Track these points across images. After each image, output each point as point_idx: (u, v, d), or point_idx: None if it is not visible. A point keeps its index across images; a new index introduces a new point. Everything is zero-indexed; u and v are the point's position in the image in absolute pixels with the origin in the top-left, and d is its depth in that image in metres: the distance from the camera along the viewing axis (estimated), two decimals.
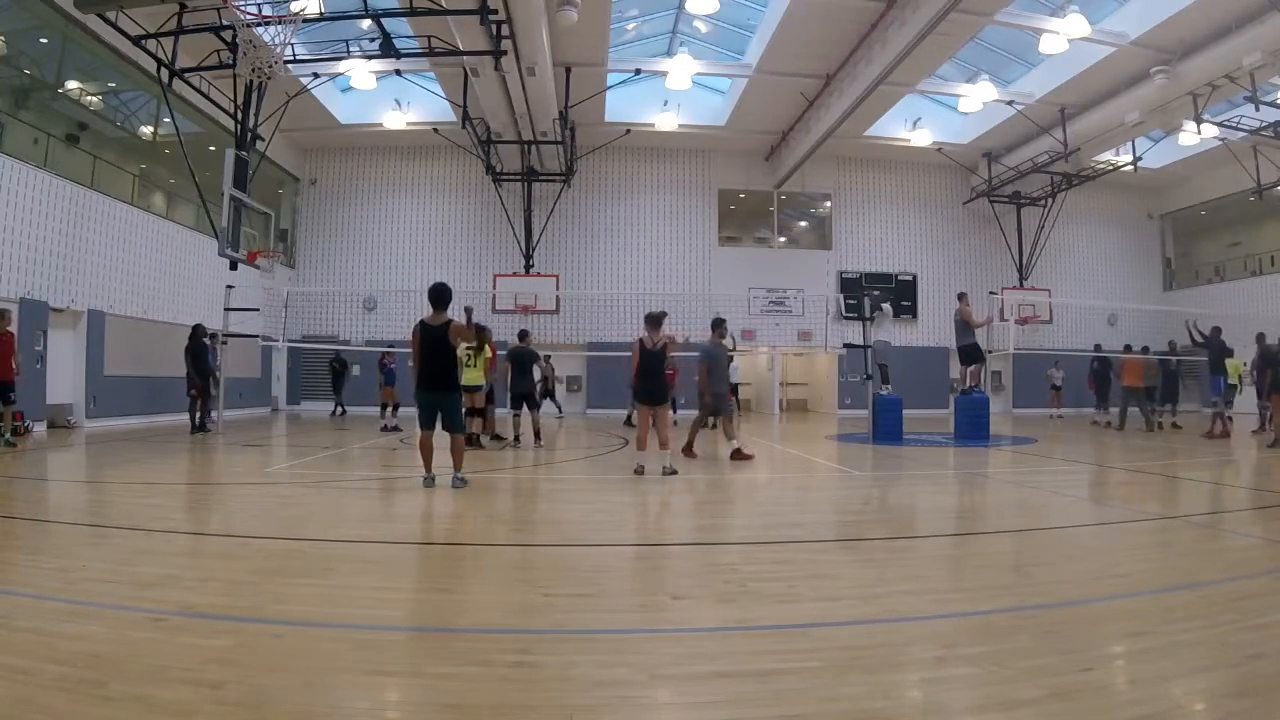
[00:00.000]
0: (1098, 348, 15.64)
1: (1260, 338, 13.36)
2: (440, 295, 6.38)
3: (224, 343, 12.48)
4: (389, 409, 13.62)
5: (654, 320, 7.59)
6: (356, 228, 20.68)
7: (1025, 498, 6.57)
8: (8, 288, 11.13)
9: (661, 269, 20.88)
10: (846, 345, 14.19)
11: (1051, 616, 3.06)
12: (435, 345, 6.21)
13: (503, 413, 10.98)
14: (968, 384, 12.10)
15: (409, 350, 6.60)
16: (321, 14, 11.94)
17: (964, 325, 11.86)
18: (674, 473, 7.15)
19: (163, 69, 11.96)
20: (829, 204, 21.94)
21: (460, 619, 3.08)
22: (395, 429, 12.94)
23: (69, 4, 11.00)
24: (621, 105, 18.67)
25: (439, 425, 6.31)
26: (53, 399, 12.06)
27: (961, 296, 12.09)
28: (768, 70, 16.46)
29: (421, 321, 6.33)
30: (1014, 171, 20.05)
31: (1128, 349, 15.05)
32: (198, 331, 12.11)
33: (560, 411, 17.29)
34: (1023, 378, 20.96)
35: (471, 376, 9.38)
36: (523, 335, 11.21)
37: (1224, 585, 3.49)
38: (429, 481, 6.27)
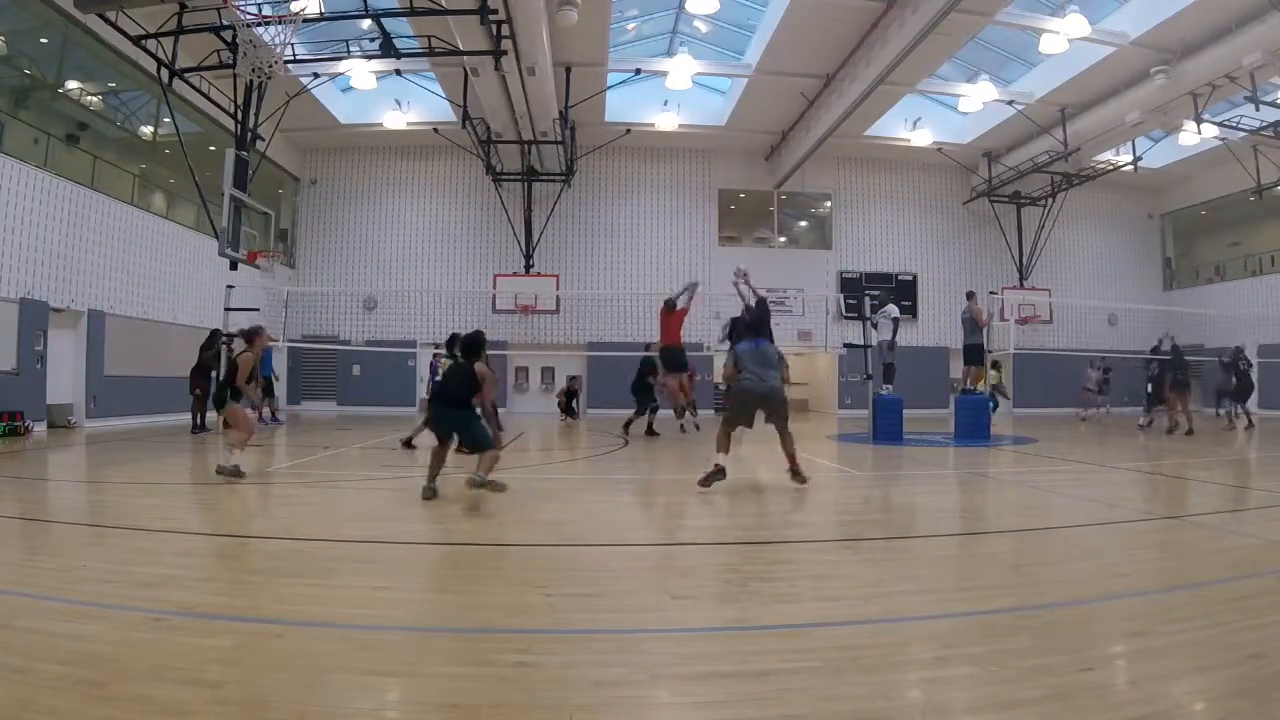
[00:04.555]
0: (1155, 349, 15.00)
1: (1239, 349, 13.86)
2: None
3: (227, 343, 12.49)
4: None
5: (249, 335, 7.32)
6: (356, 228, 20.68)
7: (1025, 498, 6.57)
8: (8, 288, 11.13)
9: (661, 269, 20.85)
10: (846, 345, 14.18)
11: (1051, 616, 3.06)
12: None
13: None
14: (968, 384, 12.11)
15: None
16: (321, 14, 11.93)
17: (973, 324, 11.89)
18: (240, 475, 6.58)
19: (163, 69, 11.96)
20: (829, 204, 21.93)
21: (460, 619, 3.08)
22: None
23: (69, 4, 10.99)
24: (621, 105, 18.66)
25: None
26: (53, 399, 12.06)
27: (971, 295, 12.11)
28: (768, 70, 16.45)
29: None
30: (1014, 171, 20.04)
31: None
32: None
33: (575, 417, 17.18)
34: (1022, 377, 20.95)
35: None
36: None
37: (1224, 585, 3.49)
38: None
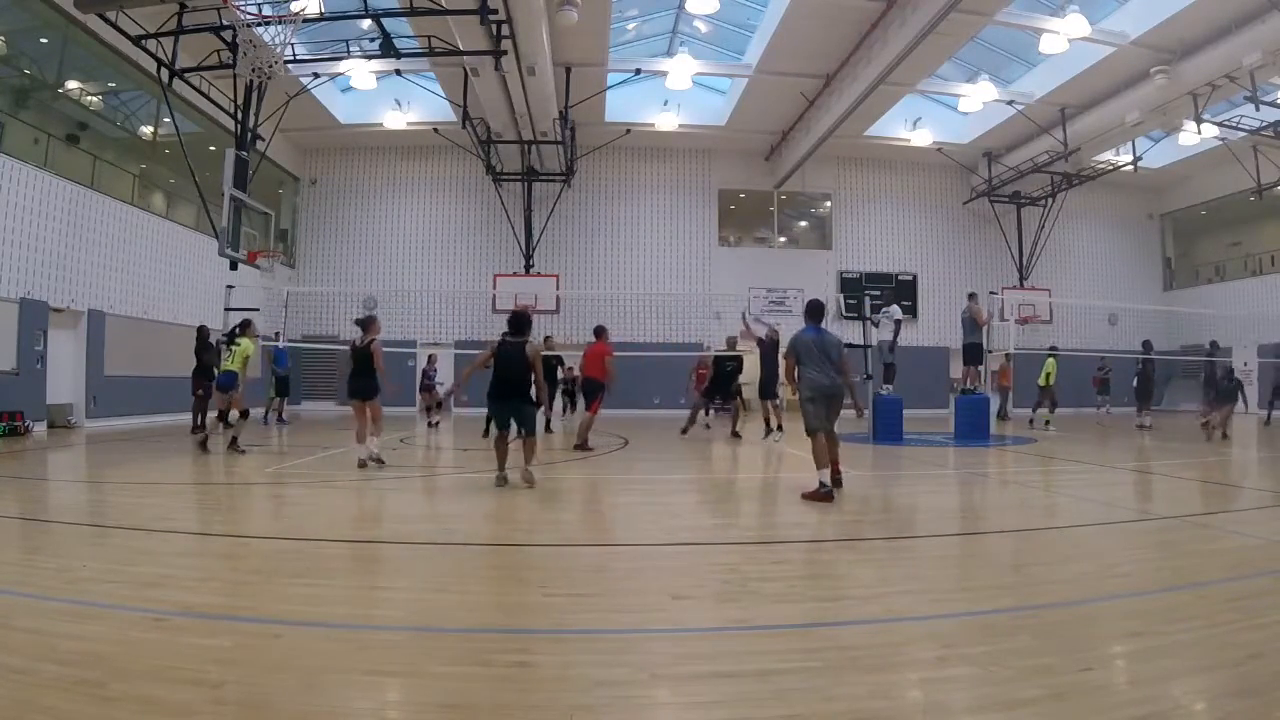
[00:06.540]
0: (1146, 345, 14.87)
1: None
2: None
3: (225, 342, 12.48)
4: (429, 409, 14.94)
5: (364, 323, 8.18)
6: (356, 228, 20.68)
7: (1025, 498, 6.57)
8: (8, 288, 11.13)
9: (661, 269, 20.87)
10: (846, 345, 14.15)
11: (1051, 616, 3.05)
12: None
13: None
14: (968, 384, 12.13)
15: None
16: (321, 14, 11.93)
17: (973, 324, 11.95)
18: (381, 462, 7.55)
19: (163, 69, 11.96)
20: (829, 204, 21.94)
21: (460, 619, 3.08)
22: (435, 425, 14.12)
23: (69, 4, 11.00)
24: (621, 105, 18.68)
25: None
26: (53, 399, 12.06)
27: (972, 296, 12.16)
28: (768, 70, 16.47)
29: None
30: (1014, 171, 20.05)
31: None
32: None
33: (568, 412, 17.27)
34: (1022, 377, 20.91)
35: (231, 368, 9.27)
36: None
37: (1224, 585, 3.48)
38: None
